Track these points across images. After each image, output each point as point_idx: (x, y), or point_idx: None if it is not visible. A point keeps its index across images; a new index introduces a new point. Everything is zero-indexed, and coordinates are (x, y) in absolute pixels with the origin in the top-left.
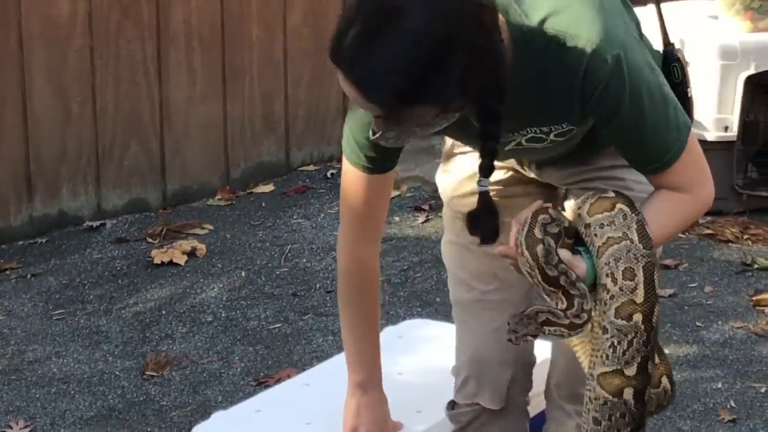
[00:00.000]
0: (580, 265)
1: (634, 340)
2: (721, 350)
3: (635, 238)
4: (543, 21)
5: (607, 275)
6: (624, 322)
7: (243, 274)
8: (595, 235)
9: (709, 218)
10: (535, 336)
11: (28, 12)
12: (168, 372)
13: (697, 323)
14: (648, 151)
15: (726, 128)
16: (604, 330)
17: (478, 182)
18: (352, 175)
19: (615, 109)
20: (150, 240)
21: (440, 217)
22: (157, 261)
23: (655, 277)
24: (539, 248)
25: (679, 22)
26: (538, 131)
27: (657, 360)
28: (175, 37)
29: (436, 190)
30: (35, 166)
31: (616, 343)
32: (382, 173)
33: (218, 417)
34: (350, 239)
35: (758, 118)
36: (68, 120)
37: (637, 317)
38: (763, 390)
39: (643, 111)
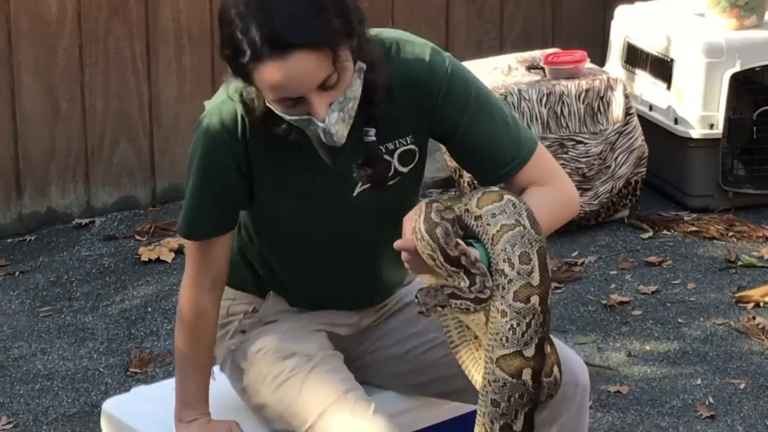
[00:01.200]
0: (474, 252)
1: (532, 322)
2: (702, 347)
3: (527, 224)
4: (378, 34)
5: (504, 260)
6: (522, 304)
7: None
8: (488, 224)
9: (694, 215)
10: (443, 307)
11: (16, 9)
12: (152, 368)
13: (679, 320)
14: (505, 148)
15: (711, 126)
16: (503, 314)
17: (365, 133)
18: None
19: (464, 105)
20: (138, 237)
21: None
22: (144, 258)
23: (547, 261)
24: (438, 230)
25: (665, 19)
26: (389, 146)
27: (548, 349)
28: (164, 35)
29: (425, 186)
30: (24, 163)
31: (515, 325)
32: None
33: (136, 392)
34: (192, 287)
35: (743, 115)
36: (57, 118)
37: (535, 299)
38: (741, 386)
39: (492, 107)
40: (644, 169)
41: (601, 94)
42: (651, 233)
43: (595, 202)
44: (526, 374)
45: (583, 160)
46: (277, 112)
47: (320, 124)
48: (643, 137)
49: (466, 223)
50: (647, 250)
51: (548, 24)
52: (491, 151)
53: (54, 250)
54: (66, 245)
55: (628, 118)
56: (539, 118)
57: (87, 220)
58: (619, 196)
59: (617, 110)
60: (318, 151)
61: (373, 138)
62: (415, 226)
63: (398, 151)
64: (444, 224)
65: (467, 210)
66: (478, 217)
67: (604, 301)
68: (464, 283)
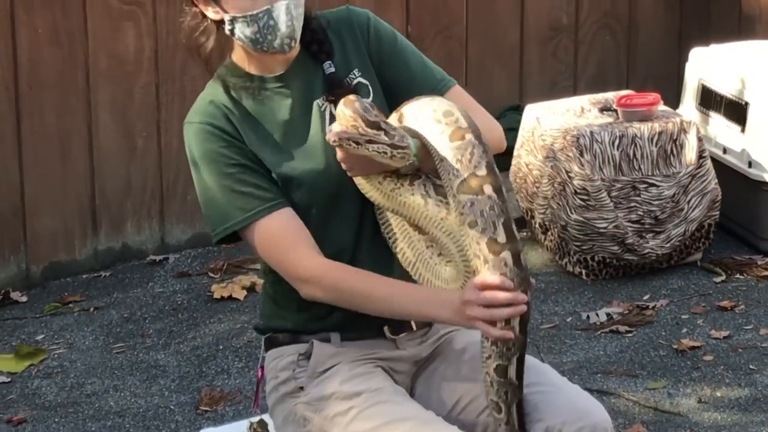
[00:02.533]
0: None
1: (475, 150)
2: None
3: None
4: None
5: (457, 160)
6: (458, 142)
7: None
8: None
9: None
10: (358, 143)
11: (95, 49)
12: (222, 407)
13: (751, 366)
14: (434, 71)
15: None
16: (442, 160)
17: (325, 69)
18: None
19: (393, 36)
20: (211, 275)
21: None
22: (217, 296)
23: (494, 164)
24: (357, 104)
25: (740, 61)
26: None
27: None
28: None
29: None
30: (100, 200)
31: (459, 157)
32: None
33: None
34: (303, 257)
35: None
36: (133, 155)
37: (469, 137)
38: None
39: (409, 44)
40: (717, 213)
41: (675, 137)
42: (724, 277)
43: (668, 245)
44: (487, 189)
45: (655, 203)
46: (239, 14)
47: (278, 6)
48: (716, 180)
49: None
50: (720, 294)
51: (622, 66)
52: (425, 72)
53: (128, 287)
54: (140, 282)
55: (701, 161)
56: (611, 160)
57: (161, 257)
58: (691, 240)
59: (690, 153)
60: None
61: (333, 69)
62: (338, 110)
63: (353, 84)
64: (363, 103)
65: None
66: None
67: (675, 346)
68: (386, 138)
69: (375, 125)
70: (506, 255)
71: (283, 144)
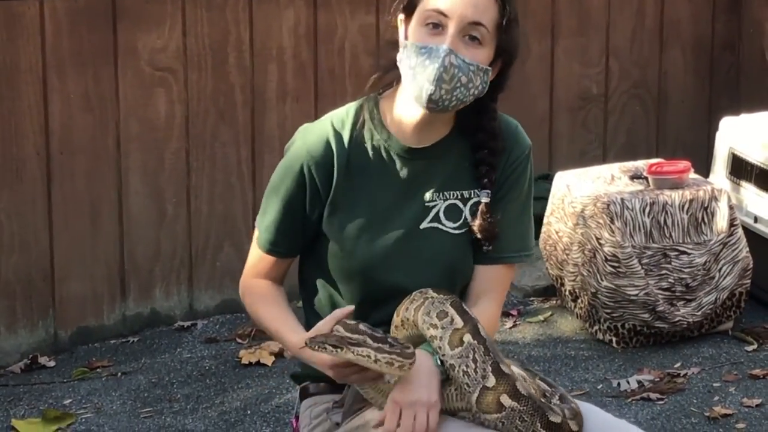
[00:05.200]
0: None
1: (476, 356)
2: None
3: (434, 294)
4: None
5: (428, 328)
6: (458, 348)
7: None
8: (408, 318)
9: None
10: (336, 347)
11: (126, 114)
12: None
13: None
14: (523, 237)
15: None
16: (452, 368)
17: (478, 194)
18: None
19: (525, 186)
20: (239, 340)
21: (529, 323)
22: (245, 361)
23: (463, 307)
24: (336, 328)
25: None
26: (457, 195)
27: (510, 368)
28: (269, 141)
29: (526, 294)
30: (129, 265)
31: (465, 368)
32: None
33: None
34: (245, 273)
35: None
36: (163, 221)
37: (466, 338)
38: None
39: (529, 203)
40: (749, 281)
41: (705, 205)
42: (755, 346)
43: (699, 313)
44: (505, 399)
45: (686, 270)
46: (408, 41)
47: (442, 48)
48: (747, 249)
49: (407, 334)
50: (751, 362)
51: (652, 135)
52: (516, 230)
53: (156, 352)
54: (168, 347)
55: (732, 229)
56: (642, 227)
57: (189, 323)
58: (723, 308)
59: (721, 221)
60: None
61: (488, 198)
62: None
63: (470, 203)
64: (337, 328)
65: (402, 323)
66: (402, 322)
67: (707, 414)
68: (372, 343)
69: (357, 331)
70: None
71: (368, 213)
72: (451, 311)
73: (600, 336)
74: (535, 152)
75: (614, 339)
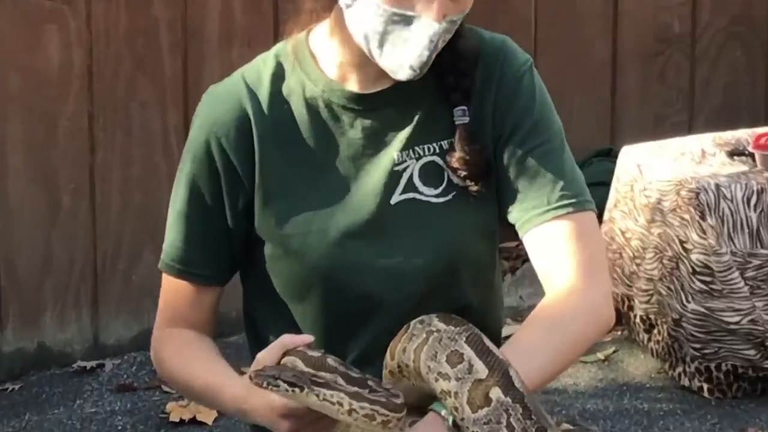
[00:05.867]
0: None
1: (511, 420)
2: None
3: (440, 326)
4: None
5: (435, 380)
6: (486, 409)
7: None
8: (407, 364)
9: None
10: (293, 385)
11: (2, 64)
12: None
13: None
14: (563, 179)
15: None
16: None
17: (455, 114)
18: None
19: (528, 107)
20: (166, 388)
21: (583, 363)
22: (174, 418)
23: (485, 343)
24: (290, 360)
25: None
26: (433, 149)
27: None
28: None
29: None
30: (7, 280)
31: None
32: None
33: None
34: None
35: None
36: (56, 217)
37: (495, 392)
38: None
39: (558, 133)
40: None
41: None
42: None
43: None
44: None
45: None
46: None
47: (433, 26)
48: None
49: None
50: None
51: (760, 92)
52: (550, 174)
53: (46, 405)
54: (63, 398)
55: None
56: (746, 224)
57: (94, 363)
58: None
59: None
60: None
61: (467, 118)
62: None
63: (431, 154)
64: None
65: (400, 370)
66: (399, 367)
67: None
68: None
69: (325, 366)
70: None
71: (313, 195)
72: (468, 352)
73: (685, 382)
74: (591, 118)
75: (706, 386)
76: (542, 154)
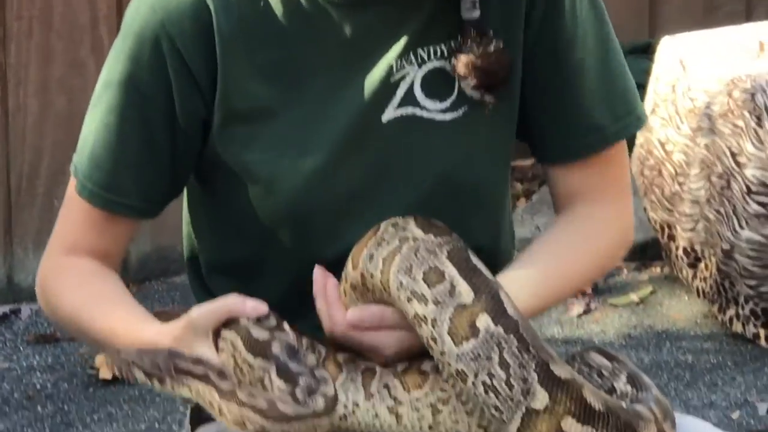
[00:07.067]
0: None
1: (504, 354)
2: None
3: (418, 233)
4: None
5: (408, 300)
6: (473, 341)
7: None
8: (372, 273)
9: None
10: (151, 375)
11: None
12: None
13: None
14: (613, 91)
15: None
16: (461, 376)
17: (464, 7)
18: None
19: (575, 15)
20: None
21: (614, 306)
22: (104, 375)
23: (472, 260)
24: (243, 318)
25: None
26: (440, 51)
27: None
28: None
29: None
30: None
31: (487, 380)
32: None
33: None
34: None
35: None
36: None
37: (483, 321)
38: None
39: (608, 36)
40: None
41: None
42: None
43: None
44: (572, 427)
45: None
46: None
47: None
48: None
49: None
50: None
51: None
52: (587, 95)
53: None
54: None
55: None
56: None
57: (7, 309)
58: None
59: None
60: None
61: (477, 11)
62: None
63: (499, 46)
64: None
65: (363, 282)
66: (362, 279)
67: None
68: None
69: (260, 349)
70: None
71: (286, 112)
72: (451, 270)
73: (737, 328)
74: (627, 4)
75: (762, 332)
76: (585, 64)
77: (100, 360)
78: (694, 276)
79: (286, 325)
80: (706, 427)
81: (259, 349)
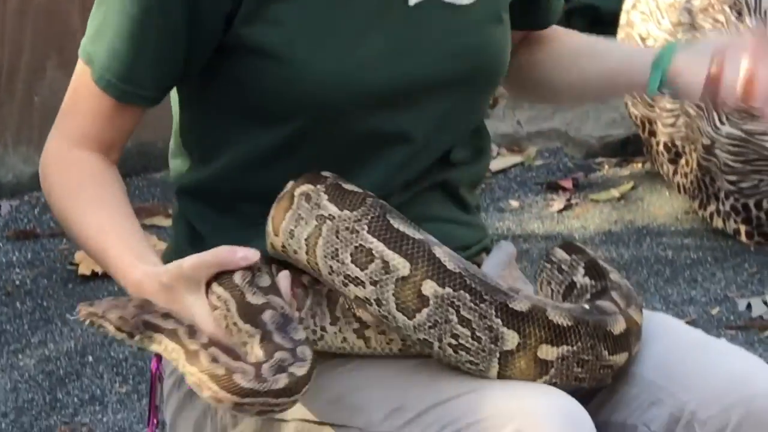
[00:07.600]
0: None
1: (460, 313)
2: None
3: (333, 209)
4: None
5: (344, 284)
6: (426, 311)
7: None
8: (295, 251)
9: None
10: (120, 329)
11: None
12: None
13: None
14: None
15: None
16: (424, 342)
17: None
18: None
19: None
20: None
21: (594, 202)
22: (84, 271)
23: (398, 223)
24: (238, 275)
25: None
26: None
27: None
28: None
29: (589, 152)
30: None
31: (453, 341)
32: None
33: None
34: (59, 134)
35: None
36: None
37: (429, 287)
38: None
39: None
40: None
41: None
42: None
43: None
44: (548, 352)
45: None
46: None
47: None
48: None
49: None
50: None
51: None
52: None
53: None
54: None
55: None
56: None
57: None
58: None
59: None
60: None
61: None
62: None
63: None
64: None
65: (283, 249)
66: (283, 249)
67: None
68: (252, 356)
69: (251, 315)
70: None
71: (327, 24)
72: (377, 246)
73: (718, 224)
74: None
75: (743, 228)
76: None
77: (79, 256)
78: (675, 172)
79: (280, 277)
80: (680, 324)
81: (250, 315)
